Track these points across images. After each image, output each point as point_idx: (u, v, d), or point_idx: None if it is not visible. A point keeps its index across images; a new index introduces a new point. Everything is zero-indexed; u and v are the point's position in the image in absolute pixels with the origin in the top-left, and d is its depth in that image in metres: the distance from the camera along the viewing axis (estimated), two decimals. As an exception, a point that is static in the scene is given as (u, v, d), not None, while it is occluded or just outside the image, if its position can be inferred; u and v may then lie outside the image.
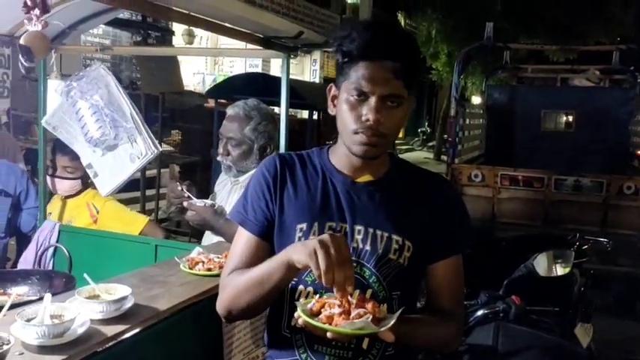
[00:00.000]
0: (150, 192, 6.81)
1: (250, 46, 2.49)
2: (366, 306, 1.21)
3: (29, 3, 1.26)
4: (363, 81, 1.31)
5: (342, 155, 1.44)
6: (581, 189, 5.79)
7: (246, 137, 2.42)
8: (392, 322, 1.18)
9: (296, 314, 1.22)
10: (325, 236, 1.21)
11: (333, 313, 1.19)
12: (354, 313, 1.18)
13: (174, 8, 1.84)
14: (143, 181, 6.43)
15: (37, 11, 1.27)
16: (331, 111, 1.43)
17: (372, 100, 1.31)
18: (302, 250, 1.22)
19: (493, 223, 5.92)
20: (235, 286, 1.39)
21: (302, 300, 1.29)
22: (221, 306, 1.44)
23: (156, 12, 1.77)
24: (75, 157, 2.77)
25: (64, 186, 2.86)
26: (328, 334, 1.17)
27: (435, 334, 1.41)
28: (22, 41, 1.37)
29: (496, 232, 5.70)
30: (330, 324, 1.17)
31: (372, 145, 1.34)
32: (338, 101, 1.39)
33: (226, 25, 2.08)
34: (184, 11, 1.92)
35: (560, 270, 3.06)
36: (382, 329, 1.17)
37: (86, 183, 2.91)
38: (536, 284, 2.94)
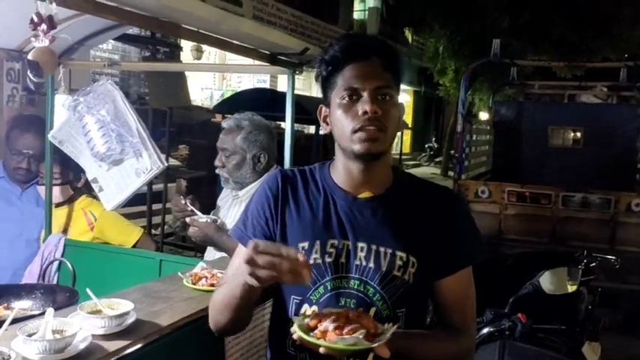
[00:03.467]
0: (156, 206, 6.82)
1: (257, 62, 2.51)
2: (362, 322, 1.21)
3: (36, 19, 1.28)
4: (352, 79, 1.34)
5: (341, 170, 1.43)
6: (589, 206, 5.76)
7: (237, 147, 2.43)
8: (386, 338, 1.17)
9: (292, 329, 1.22)
10: (246, 257, 1.15)
11: (327, 328, 1.19)
12: (347, 329, 1.18)
13: (182, 25, 1.86)
14: (150, 196, 6.45)
15: (44, 27, 1.29)
16: (325, 130, 1.43)
17: (365, 94, 1.33)
18: (245, 278, 1.18)
19: (499, 240, 5.89)
20: (213, 305, 1.43)
21: (301, 316, 1.29)
22: (209, 322, 1.46)
23: (164, 29, 1.80)
24: (60, 162, 2.76)
25: (54, 192, 2.79)
26: (321, 350, 1.16)
27: (444, 349, 1.39)
28: (30, 57, 1.39)
29: (502, 248, 5.67)
30: (325, 340, 1.17)
31: (373, 140, 1.33)
32: (330, 113, 1.39)
33: (233, 41, 2.10)
34: (192, 28, 1.94)
35: (567, 287, 3.04)
36: (375, 345, 1.16)
37: (76, 188, 2.90)
38: (542, 302, 2.91)
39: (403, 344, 1.26)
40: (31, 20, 1.29)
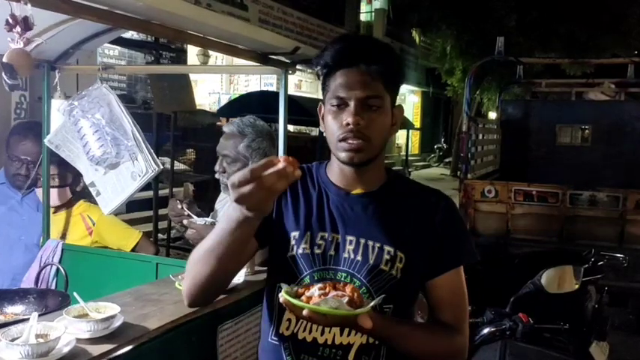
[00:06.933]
0: (162, 211, 6.81)
1: (254, 63, 2.49)
2: (346, 290, 1.23)
3: (10, 21, 1.28)
4: (340, 88, 1.35)
5: (335, 168, 1.46)
6: (597, 204, 5.67)
7: (240, 154, 2.41)
8: (369, 307, 1.20)
9: (280, 294, 1.22)
10: (234, 196, 1.12)
11: (313, 294, 1.21)
12: (331, 294, 1.20)
13: (169, 27, 1.85)
14: (155, 200, 6.44)
15: (18, 29, 1.28)
16: (322, 128, 1.44)
17: (351, 104, 1.34)
18: (242, 212, 1.15)
19: (507, 240, 5.82)
20: (193, 259, 1.33)
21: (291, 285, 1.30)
22: (184, 290, 1.39)
23: (149, 30, 1.78)
24: (60, 164, 2.76)
25: (52, 195, 2.79)
26: (304, 312, 1.18)
27: (436, 344, 1.39)
28: (4, 59, 1.38)
29: (510, 248, 5.61)
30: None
31: (356, 150, 1.34)
32: (324, 115, 1.42)
33: (221, 41, 2.08)
34: (180, 29, 1.92)
35: (568, 286, 2.99)
36: (357, 311, 1.18)
37: (75, 192, 2.89)
38: (544, 301, 2.87)
39: (389, 325, 1.30)
40: (6, 22, 1.29)
